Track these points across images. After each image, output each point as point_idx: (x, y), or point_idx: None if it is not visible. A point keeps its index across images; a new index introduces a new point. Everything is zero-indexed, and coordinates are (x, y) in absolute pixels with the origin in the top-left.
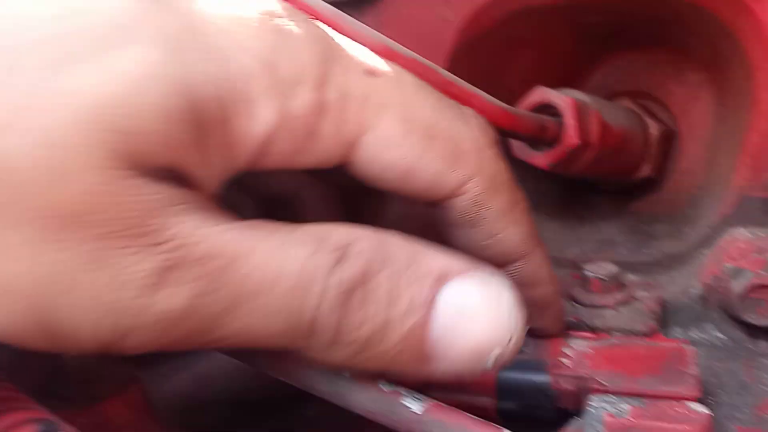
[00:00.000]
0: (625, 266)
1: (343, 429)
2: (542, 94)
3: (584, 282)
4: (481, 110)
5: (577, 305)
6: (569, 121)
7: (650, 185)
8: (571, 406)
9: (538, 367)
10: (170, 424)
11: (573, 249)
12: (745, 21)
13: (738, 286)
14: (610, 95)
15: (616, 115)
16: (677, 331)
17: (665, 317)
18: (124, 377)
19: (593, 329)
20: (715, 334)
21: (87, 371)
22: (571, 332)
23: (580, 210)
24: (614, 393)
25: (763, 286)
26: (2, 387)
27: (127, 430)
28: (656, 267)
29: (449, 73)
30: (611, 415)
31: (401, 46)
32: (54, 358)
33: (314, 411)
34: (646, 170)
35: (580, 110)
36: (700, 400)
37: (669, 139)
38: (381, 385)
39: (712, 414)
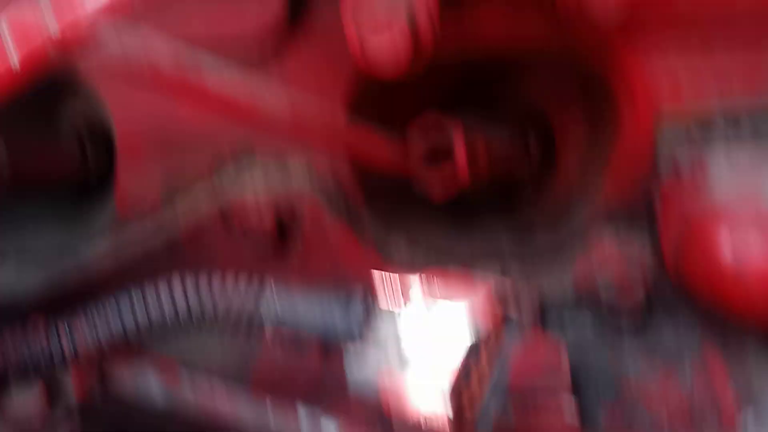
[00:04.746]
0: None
1: None
2: (433, 120)
3: None
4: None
5: None
6: (460, 160)
7: (531, 193)
8: None
9: None
10: None
11: (463, 247)
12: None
13: (605, 283)
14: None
15: (501, 138)
16: (554, 324)
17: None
18: None
19: None
20: (585, 326)
21: None
22: None
23: (469, 215)
24: None
25: (624, 285)
26: None
27: None
28: (536, 258)
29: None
30: None
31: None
32: None
33: None
34: (526, 182)
35: (469, 146)
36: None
37: (549, 155)
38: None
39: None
